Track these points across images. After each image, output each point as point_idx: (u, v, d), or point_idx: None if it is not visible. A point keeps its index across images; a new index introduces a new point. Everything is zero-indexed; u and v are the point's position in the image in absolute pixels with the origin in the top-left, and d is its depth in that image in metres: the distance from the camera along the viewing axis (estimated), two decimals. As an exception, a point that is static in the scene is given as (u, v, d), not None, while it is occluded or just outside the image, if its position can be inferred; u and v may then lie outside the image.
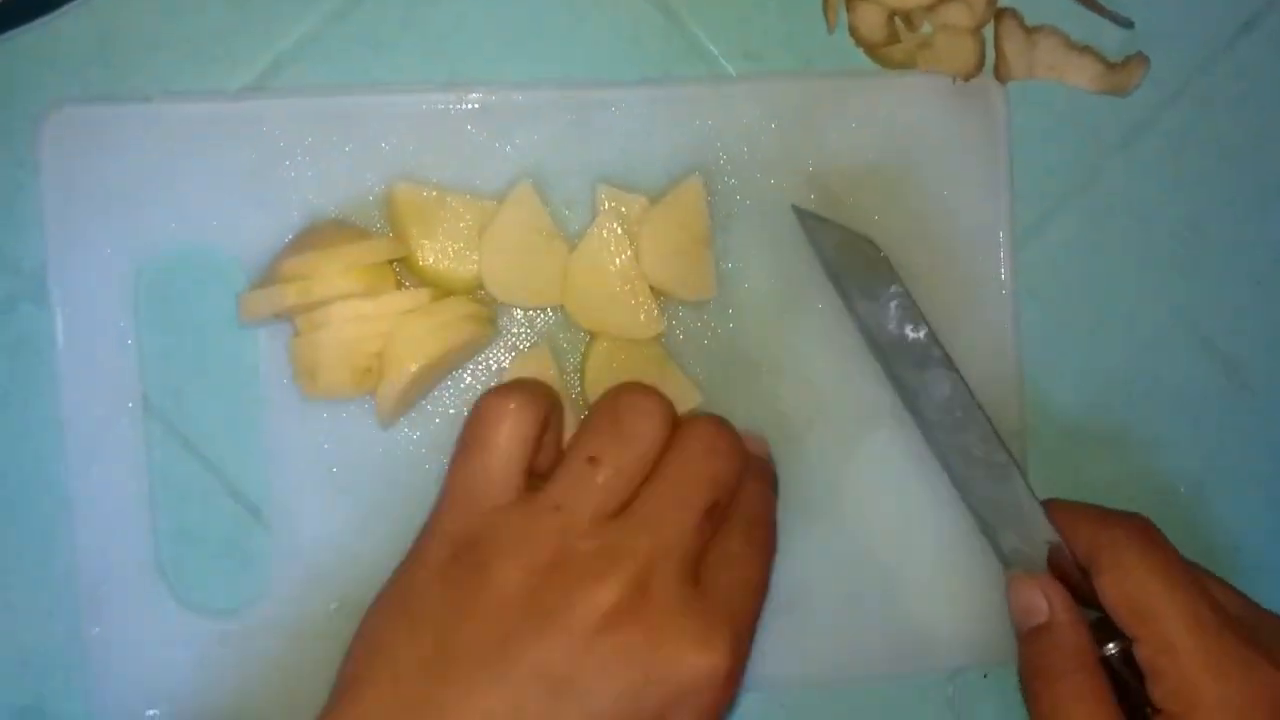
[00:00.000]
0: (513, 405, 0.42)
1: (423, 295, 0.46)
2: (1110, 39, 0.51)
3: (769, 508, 0.46)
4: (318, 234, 0.47)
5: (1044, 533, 0.46)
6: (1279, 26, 0.52)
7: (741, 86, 0.50)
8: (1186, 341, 0.52)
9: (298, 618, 0.48)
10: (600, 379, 0.48)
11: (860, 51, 0.50)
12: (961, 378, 0.47)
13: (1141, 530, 0.46)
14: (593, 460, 0.41)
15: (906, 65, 0.50)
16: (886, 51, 0.50)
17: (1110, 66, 0.51)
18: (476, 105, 0.48)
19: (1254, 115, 0.52)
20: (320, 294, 0.45)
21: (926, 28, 0.50)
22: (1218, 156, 0.52)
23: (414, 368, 0.45)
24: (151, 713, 0.47)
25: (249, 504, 0.48)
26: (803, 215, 0.49)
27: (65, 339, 0.47)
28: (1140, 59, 0.51)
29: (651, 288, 0.48)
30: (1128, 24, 0.51)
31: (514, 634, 0.39)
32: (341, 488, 0.48)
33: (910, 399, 0.49)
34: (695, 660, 0.39)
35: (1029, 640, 0.46)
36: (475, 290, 0.48)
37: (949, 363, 0.47)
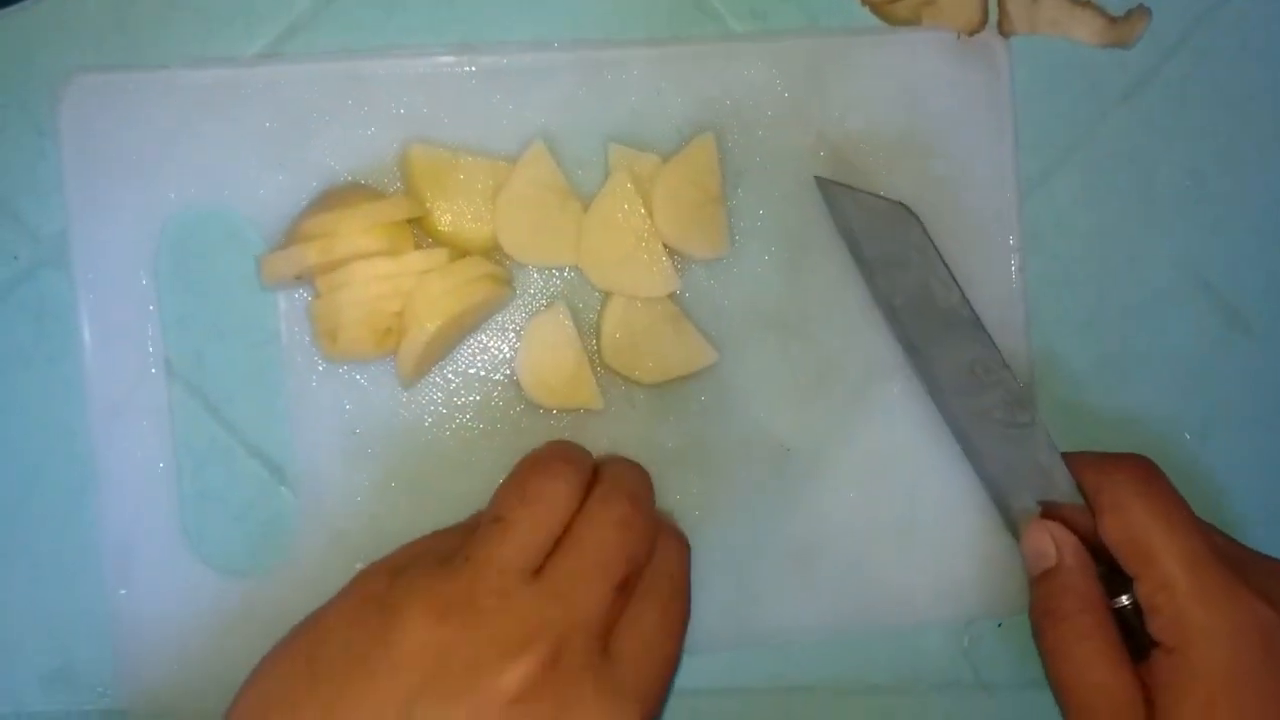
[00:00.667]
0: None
1: (440, 255, 0.47)
2: (1112, -7, 0.52)
3: (684, 575, 0.45)
4: (336, 196, 0.47)
5: (1064, 487, 0.47)
6: (1276, -21, 0.53)
7: (749, 45, 0.50)
8: (1189, 289, 0.53)
9: (320, 578, 0.47)
10: (616, 337, 0.49)
11: (865, 9, 0.51)
12: (990, 339, 0.48)
13: (1142, 471, 0.47)
14: (498, 519, 0.41)
15: (911, 21, 0.51)
16: (891, 8, 0.51)
17: (1112, 20, 0.52)
18: (489, 67, 0.49)
19: (1254, 66, 0.53)
20: (342, 252, 0.45)
21: (930, -15, 0.51)
22: (1218, 107, 0.53)
23: (433, 327, 0.46)
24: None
25: (271, 465, 0.49)
26: (826, 185, 0.49)
27: (87, 304, 0.47)
28: (1142, 12, 0.52)
29: (665, 246, 0.48)
30: (1128, -22, 0.52)
31: (418, 700, 0.38)
32: (363, 448, 0.48)
33: (925, 365, 0.49)
34: None
35: (1039, 583, 0.47)
36: (491, 250, 0.49)
37: (978, 324, 0.48)
